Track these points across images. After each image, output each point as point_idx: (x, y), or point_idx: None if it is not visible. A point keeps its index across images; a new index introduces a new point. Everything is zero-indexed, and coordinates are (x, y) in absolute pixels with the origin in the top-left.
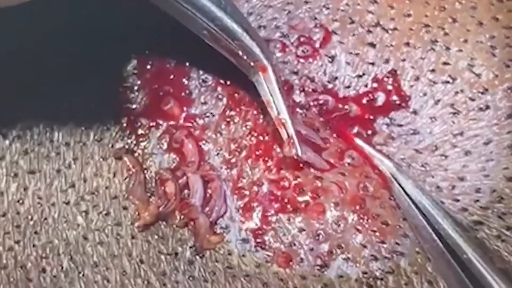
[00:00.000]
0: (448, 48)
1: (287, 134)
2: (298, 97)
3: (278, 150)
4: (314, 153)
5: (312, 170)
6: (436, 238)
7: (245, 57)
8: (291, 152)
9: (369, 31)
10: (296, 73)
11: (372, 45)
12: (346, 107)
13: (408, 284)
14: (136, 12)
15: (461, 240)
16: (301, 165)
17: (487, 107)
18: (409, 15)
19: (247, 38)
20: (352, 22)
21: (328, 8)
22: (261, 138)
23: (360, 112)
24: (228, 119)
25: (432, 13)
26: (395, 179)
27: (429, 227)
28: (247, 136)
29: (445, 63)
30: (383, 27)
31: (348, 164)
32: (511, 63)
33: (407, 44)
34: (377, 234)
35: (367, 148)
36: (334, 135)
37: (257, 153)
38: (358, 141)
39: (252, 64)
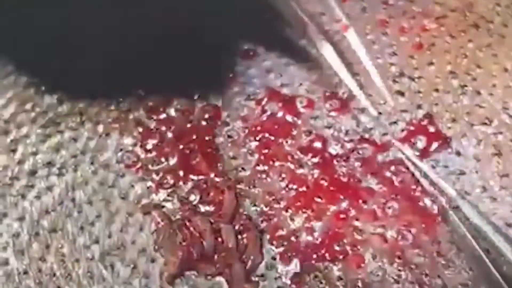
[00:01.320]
0: (478, 93)
1: None
2: (334, 149)
3: (319, 200)
4: None
5: (354, 221)
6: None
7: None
8: None
9: (394, 81)
10: (328, 127)
11: (401, 93)
12: (386, 153)
13: None
14: None
15: None
16: (341, 216)
17: None
18: (432, 64)
19: None
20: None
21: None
22: (300, 190)
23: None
24: (261, 174)
25: (455, 60)
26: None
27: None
28: (284, 189)
29: (479, 106)
30: (409, 76)
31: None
32: None
33: (437, 90)
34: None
35: (432, 176)
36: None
37: (297, 204)
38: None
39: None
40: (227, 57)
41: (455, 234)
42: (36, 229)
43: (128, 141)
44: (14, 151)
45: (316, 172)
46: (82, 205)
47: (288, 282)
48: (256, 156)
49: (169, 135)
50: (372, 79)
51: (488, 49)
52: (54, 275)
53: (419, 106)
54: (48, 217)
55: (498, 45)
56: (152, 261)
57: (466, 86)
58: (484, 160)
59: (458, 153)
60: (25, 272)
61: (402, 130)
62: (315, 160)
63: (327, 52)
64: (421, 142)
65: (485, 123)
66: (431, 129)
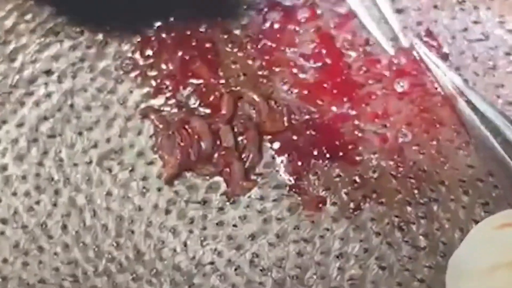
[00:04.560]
0: (476, 7)
1: None
2: (338, 57)
3: (320, 102)
4: None
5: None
6: (497, 145)
7: None
8: None
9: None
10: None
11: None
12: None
13: (440, 229)
14: None
15: None
16: (342, 116)
17: None
18: None
19: None
20: None
21: None
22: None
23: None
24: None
25: None
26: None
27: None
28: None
29: (476, 22)
30: None
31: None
32: None
33: (436, 7)
34: (412, 180)
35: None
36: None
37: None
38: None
39: None
40: None
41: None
42: (34, 135)
43: (127, 48)
44: (13, 60)
45: (318, 77)
46: (81, 111)
47: (287, 180)
48: (258, 62)
49: (169, 41)
50: None
51: None
52: (53, 179)
53: (419, 23)
54: (47, 123)
55: None
56: (150, 164)
57: (464, 1)
58: (481, 74)
59: (458, 69)
60: (23, 177)
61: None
62: (318, 65)
63: None
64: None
65: (481, 39)
66: (433, 43)
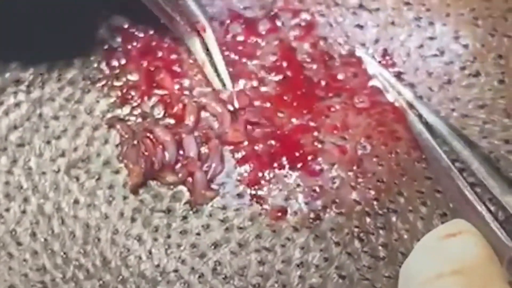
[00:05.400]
0: (432, 23)
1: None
2: (298, 69)
3: (281, 115)
4: None
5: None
6: (445, 157)
7: (182, 21)
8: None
9: (354, 13)
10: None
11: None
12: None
13: (398, 240)
14: None
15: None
16: (302, 128)
17: (479, 74)
18: None
19: None
20: (336, 4)
21: None
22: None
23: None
24: None
25: None
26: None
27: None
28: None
29: (431, 38)
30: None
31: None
32: (495, 32)
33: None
34: (372, 192)
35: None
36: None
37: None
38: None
39: (188, 28)
40: None
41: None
42: (4, 144)
43: (93, 58)
44: None
45: (279, 90)
46: (49, 120)
47: (247, 189)
48: None
49: (134, 52)
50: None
51: None
52: (22, 187)
53: (377, 40)
54: (16, 132)
55: None
56: (116, 173)
57: (420, 18)
58: (435, 88)
59: (412, 85)
60: None
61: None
62: (279, 78)
63: None
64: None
65: (436, 55)
66: (387, 61)
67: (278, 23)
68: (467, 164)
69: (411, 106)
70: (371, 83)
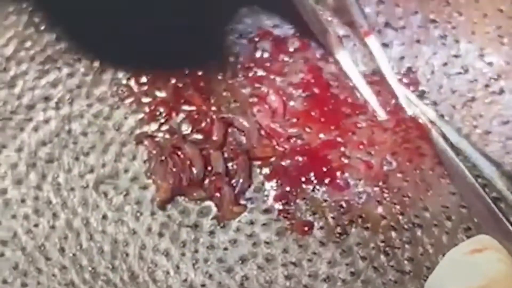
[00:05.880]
0: (457, 41)
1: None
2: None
3: (308, 130)
4: None
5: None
6: (468, 173)
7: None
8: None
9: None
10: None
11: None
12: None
13: (424, 254)
14: None
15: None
16: (330, 143)
17: (502, 91)
18: (416, 12)
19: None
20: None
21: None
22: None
23: None
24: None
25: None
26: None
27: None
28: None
29: (456, 56)
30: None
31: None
32: None
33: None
34: (397, 206)
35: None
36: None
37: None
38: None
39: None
40: None
41: (440, 154)
42: (33, 160)
43: (122, 75)
44: (13, 86)
45: (307, 105)
46: (78, 136)
47: (275, 205)
48: (248, 89)
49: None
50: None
51: None
52: (51, 203)
53: (402, 58)
54: (45, 149)
55: None
56: (144, 188)
57: (446, 36)
58: (458, 107)
59: (435, 103)
60: (23, 201)
61: None
62: (307, 94)
63: None
64: None
65: (460, 73)
66: (411, 80)
67: (307, 42)
68: (490, 180)
69: (433, 124)
70: (394, 101)
